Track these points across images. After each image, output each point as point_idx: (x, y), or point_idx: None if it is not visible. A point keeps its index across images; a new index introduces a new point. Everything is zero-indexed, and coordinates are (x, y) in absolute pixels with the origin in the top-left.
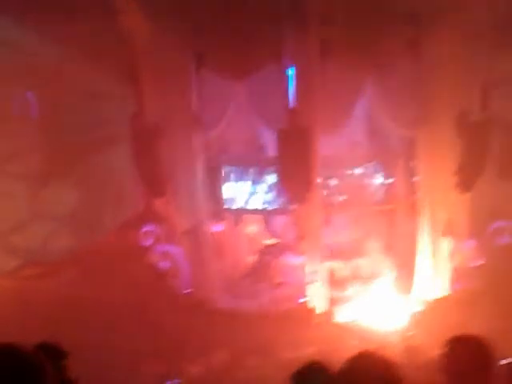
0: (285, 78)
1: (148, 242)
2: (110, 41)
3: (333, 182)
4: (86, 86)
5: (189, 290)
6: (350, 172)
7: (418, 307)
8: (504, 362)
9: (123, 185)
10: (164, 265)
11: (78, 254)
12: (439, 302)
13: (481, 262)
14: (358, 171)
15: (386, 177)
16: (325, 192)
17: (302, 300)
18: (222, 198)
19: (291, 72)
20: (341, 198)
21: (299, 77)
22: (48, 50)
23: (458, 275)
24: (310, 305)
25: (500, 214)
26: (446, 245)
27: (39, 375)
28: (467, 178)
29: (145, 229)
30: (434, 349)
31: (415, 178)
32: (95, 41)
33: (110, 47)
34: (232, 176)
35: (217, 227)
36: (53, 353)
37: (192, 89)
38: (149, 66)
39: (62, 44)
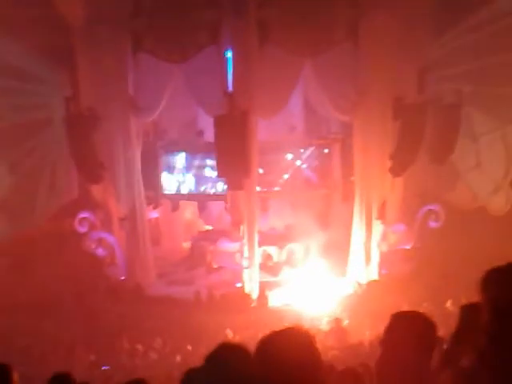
0: (223, 62)
1: (84, 229)
2: (45, 25)
3: (270, 167)
4: (19, 69)
5: (125, 277)
6: (286, 157)
7: (350, 290)
8: None
9: (58, 170)
10: (100, 252)
11: (10, 241)
12: (370, 285)
13: (411, 245)
14: (294, 155)
15: (322, 161)
16: (261, 177)
17: (237, 285)
18: (159, 185)
19: (229, 56)
20: (277, 184)
21: (237, 61)
22: None
23: (389, 258)
24: (246, 289)
25: (431, 197)
26: (378, 228)
27: None
28: (401, 162)
29: (80, 215)
30: (363, 331)
31: (351, 162)
32: (30, 25)
33: (45, 31)
34: (169, 162)
35: (153, 214)
36: None
37: (128, 73)
38: (84, 50)
39: None
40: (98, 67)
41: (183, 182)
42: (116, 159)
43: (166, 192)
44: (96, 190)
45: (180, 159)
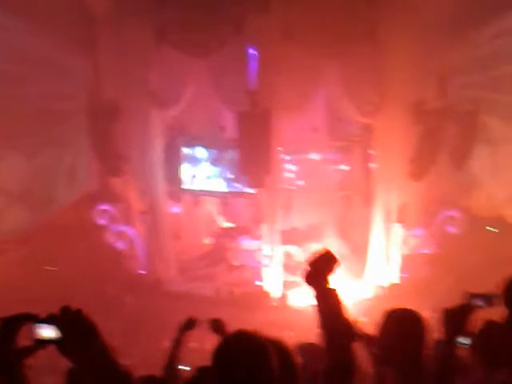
0: (246, 58)
1: (103, 221)
2: (69, 12)
3: (292, 166)
4: (41, 57)
5: (144, 271)
6: (308, 157)
7: (369, 293)
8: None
9: (78, 162)
10: (120, 245)
11: (29, 230)
12: (389, 289)
13: (430, 250)
14: (316, 156)
15: (344, 163)
16: (284, 176)
17: (257, 283)
18: (180, 179)
19: (253, 52)
20: (299, 183)
21: (261, 57)
22: (2, 20)
23: (408, 262)
24: (266, 288)
25: (450, 203)
26: (398, 232)
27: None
28: (421, 167)
29: (100, 207)
30: None
31: (371, 165)
32: (54, 12)
33: (69, 19)
34: (191, 156)
35: (174, 208)
36: None
37: (151, 66)
38: (108, 41)
39: (18, 14)
40: (121, 59)
41: (205, 177)
42: (137, 152)
43: (187, 187)
44: (116, 183)
45: (202, 154)
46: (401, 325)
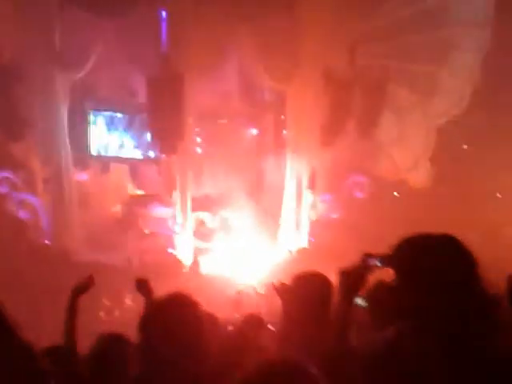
0: (157, 22)
1: (4, 190)
2: None
3: (204, 132)
4: None
5: (49, 241)
6: (220, 123)
7: (280, 258)
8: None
9: None
10: (22, 214)
11: None
12: (300, 253)
13: (338, 215)
14: (228, 122)
15: (256, 129)
16: (195, 142)
17: (169, 251)
18: (87, 145)
19: (164, 15)
20: (211, 149)
21: (172, 21)
22: None
23: (317, 227)
24: (178, 256)
25: (358, 169)
26: (308, 198)
27: None
28: (330, 133)
29: (0, 174)
30: None
31: (284, 132)
32: None
33: None
34: (99, 121)
35: (81, 176)
36: None
37: (55, 26)
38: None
39: None
40: (21, 18)
41: (114, 143)
42: (40, 116)
43: (95, 153)
44: (17, 149)
45: (111, 119)
46: (308, 287)
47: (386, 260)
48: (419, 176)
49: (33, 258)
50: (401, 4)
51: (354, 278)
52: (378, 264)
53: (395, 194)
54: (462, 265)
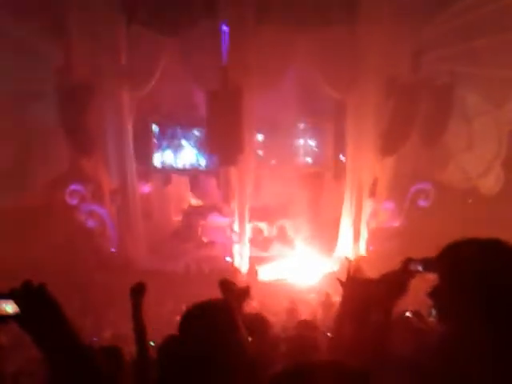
0: (218, 36)
1: (74, 201)
2: None
3: (263, 144)
4: (10, 41)
5: (115, 250)
6: (280, 134)
7: (338, 266)
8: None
9: (49, 143)
10: (90, 223)
11: (1, 212)
12: (355, 261)
13: (399, 223)
14: (288, 133)
15: (316, 139)
16: (255, 154)
17: (227, 259)
18: (150, 158)
19: (225, 30)
20: (271, 160)
21: (233, 35)
22: None
23: (376, 236)
24: (235, 264)
25: (423, 177)
26: (368, 206)
27: None
28: (393, 142)
29: (71, 188)
30: None
31: (344, 141)
32: None
33: (38, 2)
34: (162, 135)
35: (145, 187)
36: None
37: (122, 45)
38: (78, 21)
39: None
40: (91, 39)
41: (176, 155)
42: (107, 132)
43: (158, 166)
44: (87, 163)
45: (174, 133)
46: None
47: (429, 264)
48: (490, 183)
49: (99, 264)
50: (467, 7)
51: (394, 283)
52: (420, 269)
53: (469, 201)
54: (509, 268)
